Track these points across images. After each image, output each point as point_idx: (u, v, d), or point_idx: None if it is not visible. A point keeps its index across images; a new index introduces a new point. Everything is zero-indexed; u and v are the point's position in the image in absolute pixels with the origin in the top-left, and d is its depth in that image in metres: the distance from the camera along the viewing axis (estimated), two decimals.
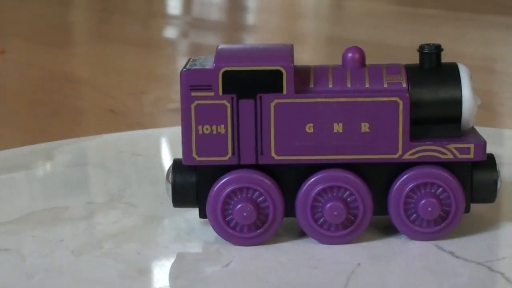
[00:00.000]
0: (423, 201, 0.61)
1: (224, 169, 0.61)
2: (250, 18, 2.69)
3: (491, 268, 0.58)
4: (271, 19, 2.59)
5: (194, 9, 2.85)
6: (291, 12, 2.76)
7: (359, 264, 0.59)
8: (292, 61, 0.60)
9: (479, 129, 0.64)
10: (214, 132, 0.60)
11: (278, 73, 0.59)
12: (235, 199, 0.61)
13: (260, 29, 2.36)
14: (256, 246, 0.62)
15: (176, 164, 0.62)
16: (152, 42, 2.10)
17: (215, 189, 0.61)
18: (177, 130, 0.64)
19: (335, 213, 0.60)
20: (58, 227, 0.66)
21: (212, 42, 2.12)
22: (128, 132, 1.00)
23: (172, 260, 0.61)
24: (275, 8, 2.85)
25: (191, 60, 0.63)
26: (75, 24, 2.60)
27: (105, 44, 2.05)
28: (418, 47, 0.62)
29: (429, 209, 0.61)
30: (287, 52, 0.60)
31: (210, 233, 0.63)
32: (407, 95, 0.60)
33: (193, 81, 0.59)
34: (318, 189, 0.61)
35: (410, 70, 0.62)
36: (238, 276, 0.58)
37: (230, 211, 0.61)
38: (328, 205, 0.60)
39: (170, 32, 2.37)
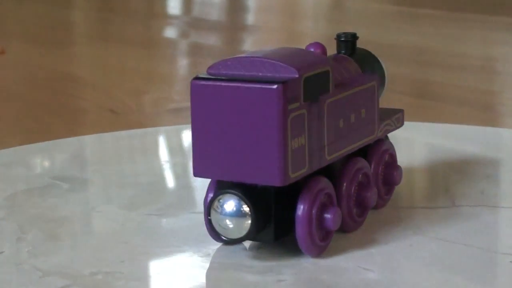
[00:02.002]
0: (398, 171, 0.66)
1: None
2: (250, 18, 2.69)
3: None
4: (271, 19, 2.59)
5: (194, 9, 2.85)
6: (291, 12, 2.76)
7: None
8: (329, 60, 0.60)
9: (479, 129, 0.65)
10: (300, 144, 0.56)
11: (328, 73, 0.58)
12: (324, 209, 0.58)
13: (260, 29, 2.36)
14: (342, 254, 0.59)
15: (245, 191, 0.56)
16: (153, 42, 2.10)
17: (306, 204, 0.57)
18: (176, 129, 0.63)
19: (374, 196, 0.62)
20: None
21: (212, 42, 2.12)
22: (127, 131, 1.00)
23: None
24: (275, 8, 2.85)
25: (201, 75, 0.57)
26: (75, 24, 2.60)
27: (105, 44, 2.05)
28: (335, 36, 0.67)
29: (402, 175, 0.67)
30: (314, 52, 0.61)
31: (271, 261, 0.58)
32: (378, 78, 0.64)
33: (289, 93, 0.54)
34: (356, 179, 0.62)
35: (353, 58, 0.65)
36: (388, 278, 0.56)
37: (322, 222, 0.58)
38: (369, 192, 0.62)
39: (170, 32, 2.36)
